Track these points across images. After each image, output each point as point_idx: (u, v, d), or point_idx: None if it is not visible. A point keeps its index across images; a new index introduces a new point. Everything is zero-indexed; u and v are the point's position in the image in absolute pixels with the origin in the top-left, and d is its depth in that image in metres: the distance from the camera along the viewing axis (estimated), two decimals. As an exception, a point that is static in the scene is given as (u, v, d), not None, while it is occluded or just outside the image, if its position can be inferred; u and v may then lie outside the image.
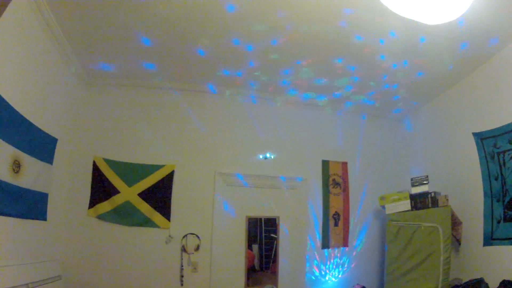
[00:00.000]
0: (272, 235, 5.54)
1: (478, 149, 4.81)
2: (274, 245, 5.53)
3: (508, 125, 4.36)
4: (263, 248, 5.53)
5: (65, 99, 4.64)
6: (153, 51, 4.58)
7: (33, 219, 3.81)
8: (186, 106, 5.49)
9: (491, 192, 4.56)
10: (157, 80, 5.30)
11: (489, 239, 4.50)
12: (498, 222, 4.41)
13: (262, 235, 5.54)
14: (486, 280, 4.24)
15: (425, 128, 6.08)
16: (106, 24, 4.04)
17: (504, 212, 4.35)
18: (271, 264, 5.54)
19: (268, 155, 5.64)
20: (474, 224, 4.76)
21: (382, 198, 5.41)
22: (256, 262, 5.52)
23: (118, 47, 4.51)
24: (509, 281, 3.97)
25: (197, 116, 5.51)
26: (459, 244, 4.95)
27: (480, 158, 4.77)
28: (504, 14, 3.84)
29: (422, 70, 5.00)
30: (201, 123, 5.50)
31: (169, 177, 5.23)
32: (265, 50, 4.64)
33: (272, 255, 5.53)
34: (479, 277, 4.38)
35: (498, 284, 4.04)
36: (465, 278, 4.60)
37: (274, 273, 5.44)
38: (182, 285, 4.95)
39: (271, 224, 5.58)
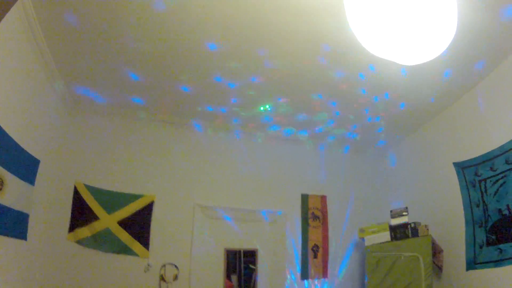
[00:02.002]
0: (251, 265, 5.30)
1: (459, 179, 4.75)
2: (253, 276, 5.31)
3: (489, 153, 4.34)
4: (242, 279, 5.46)
5: (50, 122, 4.46)
6: (139, 84, 4.55)
7: (13, 237, 3.57)
8: (168, 138, 5.39)
9: (473, 219, 4.47)
10: (142, 111, 5.23)
11: (472, 264, 4.38)
12: (481, 247, 4.30)
13: (241, 266, 5.49)
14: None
15: (405, 161, 6.01)
16: (94, 54, 4.04)
17: (487, 236, 4.24)
18: (250, 294, 5.31)
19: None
20: (456, 250, 4.63)
21: (361, 231, 5.21)
22: (235, 293, 5.43)
23: (105, 76, 4.49)
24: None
25: (179, 148, 5.40)
26: (441, 271, 4.78)
27: (461, 187, 4.70)
28: (488, 39, 3.85)
29: (404, 101, 4.97)
30: (183, 156, 5.39)
31: (149, 207, 5.05)
32: (246, 87, 4.65)
33: (252, 286, 5.31)
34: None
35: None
36: (449, 304, 4.15)
37: (254, 304, 5.06)
38: (160, 314, 4.79)
39: (250, 255, 5.36)
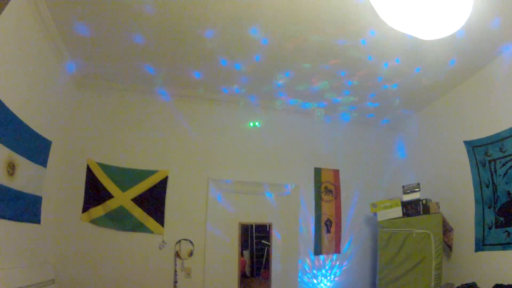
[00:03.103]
0: (263, 241, 5.48)
1: (469, 157, 4.84)
2: (265, 252, 5.46)
3: (499, 133, 4.41)
4: (254, 254, 5.46)
5: (60, 100, 4.53)
6: (149, 52, 4.49)
7: (26, 222, 3.69)
8: (179, 111, 5.45)
9: (482, 199, 4.60)
10: (151, 83, 5.20)
11: (481, 245, 4.53)
12: (490, 228, 4.45)
13: (253, 242, 5.47)
14: (479, 285, 4.22)
15: (416, 136, 6.12)
16: (102, 24, 3.96)
17: (496, 218, 4.38)
18: (262, 270, 5.46)
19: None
20: (466, 230, 4.78)
21: (373, 205, 5.42)
22: (248, 268, 5.44)
23: (114, 47, 4.41)
24: (501, 285, 3.96)
25: (191, 122, 5.47)
26: (451, 250, 4.95)
27: (471, 166, 4.80)
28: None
29: (419, 66, 4.85)
30: (195, 129, 5.46)
31: (163, 183, 5.14)
32: (252, 66, 4.72)
33: (263, 261, 5.46)
34: (471, 282, 4.35)
35: (491, 289, 4.02)
36: (457, 283, 4.57)
37: (266, 279, 5.38)
38: (176, 291, 4.86)
39: (262, 230, 5.52)
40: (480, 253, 4.53)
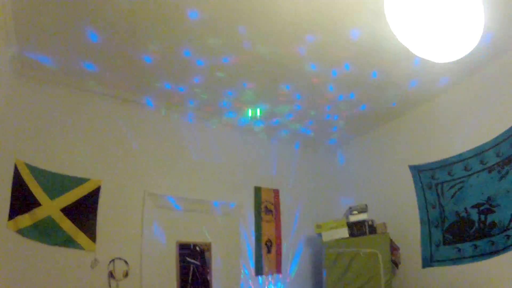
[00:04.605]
0: (187, 258, 5.16)
1: (415, 181, 5.26)
2: (191, 270, 5.08)
3: (448, 159, 4.87)
4: (180, 273, 4.98)
5: None
6: (97, 47, 4.04)
7: None
8: (119, 117, 5.05)
9: (428, 219, 5.00)
10: (94, 82, 4.72)
11: (428, 261, 4.90)
12: (437, 245, 4.86)
13: (177, 259, 5.02)
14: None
15: (358, 159, 6.50)
16: (53, 12, 3.46)
17: (444, 236, 4.80)
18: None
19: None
20: (411, 249, 5.12)
21: (318, 226, 5.59)
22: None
23: (62, 37, 3.87)
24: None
25: (130, 129, 5.09)
26: (397, 267, 5.27)
27: (417, 189, 5.22)
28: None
29: (366, 102, 5.27)
30: (134, 138, 5.09)
31: (95, 193, 4.65)
32: (214, 67, 4.50)
33: (189, 279, 5.07)
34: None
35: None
36: (406, 300, 5.25)
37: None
38: (111, 316, 4.18)
39: (186, 247, 5.16)
40: (429, 268, 4.91)
